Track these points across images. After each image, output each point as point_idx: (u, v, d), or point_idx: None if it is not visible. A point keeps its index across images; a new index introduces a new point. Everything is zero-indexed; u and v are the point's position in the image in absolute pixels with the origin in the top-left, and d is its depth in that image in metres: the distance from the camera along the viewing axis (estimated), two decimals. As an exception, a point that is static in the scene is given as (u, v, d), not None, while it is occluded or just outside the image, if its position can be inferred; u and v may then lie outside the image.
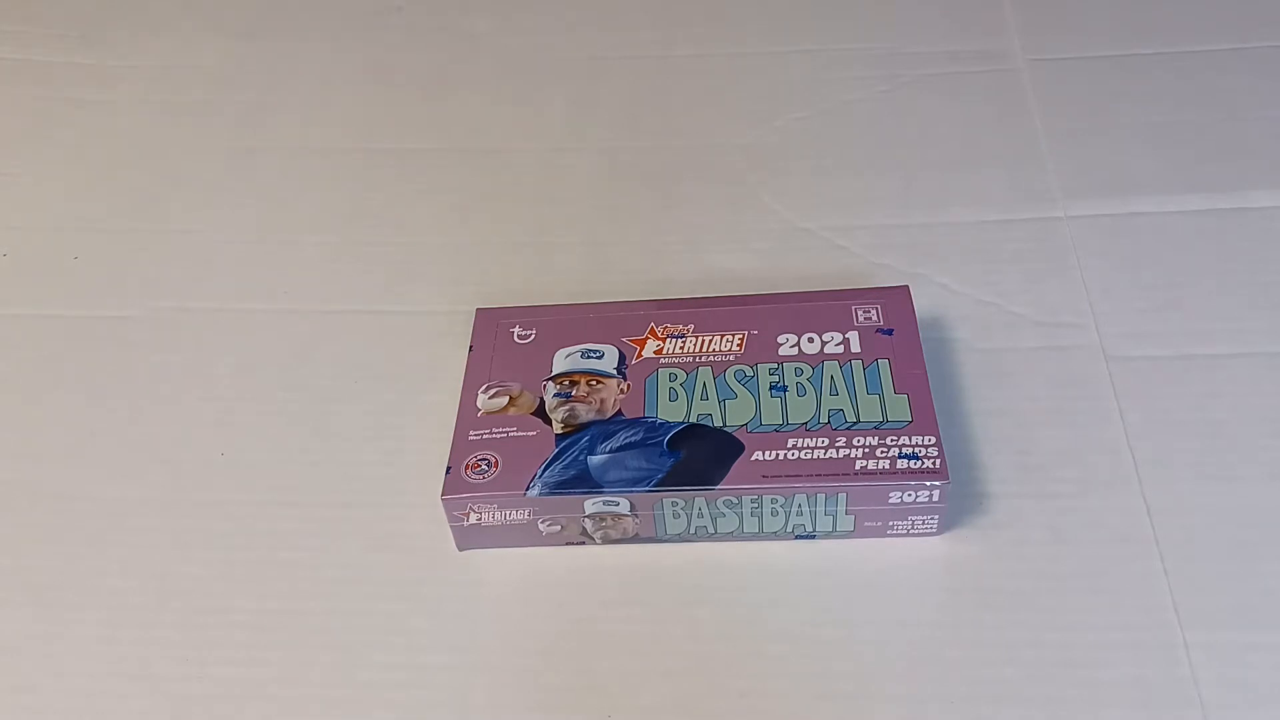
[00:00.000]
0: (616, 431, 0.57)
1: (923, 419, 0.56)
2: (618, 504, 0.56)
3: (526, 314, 0.64)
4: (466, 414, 0.59)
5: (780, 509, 0.55)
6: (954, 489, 0.55)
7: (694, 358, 0.60)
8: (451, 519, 0.57)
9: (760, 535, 0.57)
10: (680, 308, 0.63)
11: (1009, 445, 0.60)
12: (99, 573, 0.59)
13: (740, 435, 0.56)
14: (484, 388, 0.60)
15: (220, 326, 0.71)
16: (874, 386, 0.58)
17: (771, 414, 0.57)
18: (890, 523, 0.56)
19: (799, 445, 0.56)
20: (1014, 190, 0.75)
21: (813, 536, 0.57)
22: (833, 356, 0.59)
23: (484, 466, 0.57)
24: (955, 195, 0.75)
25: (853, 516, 0.56)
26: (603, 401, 0.59)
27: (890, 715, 0.51)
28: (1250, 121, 0.77)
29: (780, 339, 0.61)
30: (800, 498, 0.55)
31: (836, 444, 0.56)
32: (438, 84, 0.87)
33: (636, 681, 0.53)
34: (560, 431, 0.58)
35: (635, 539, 0.58)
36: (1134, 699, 0.50)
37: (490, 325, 0.64)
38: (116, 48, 0.93)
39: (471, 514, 0.56)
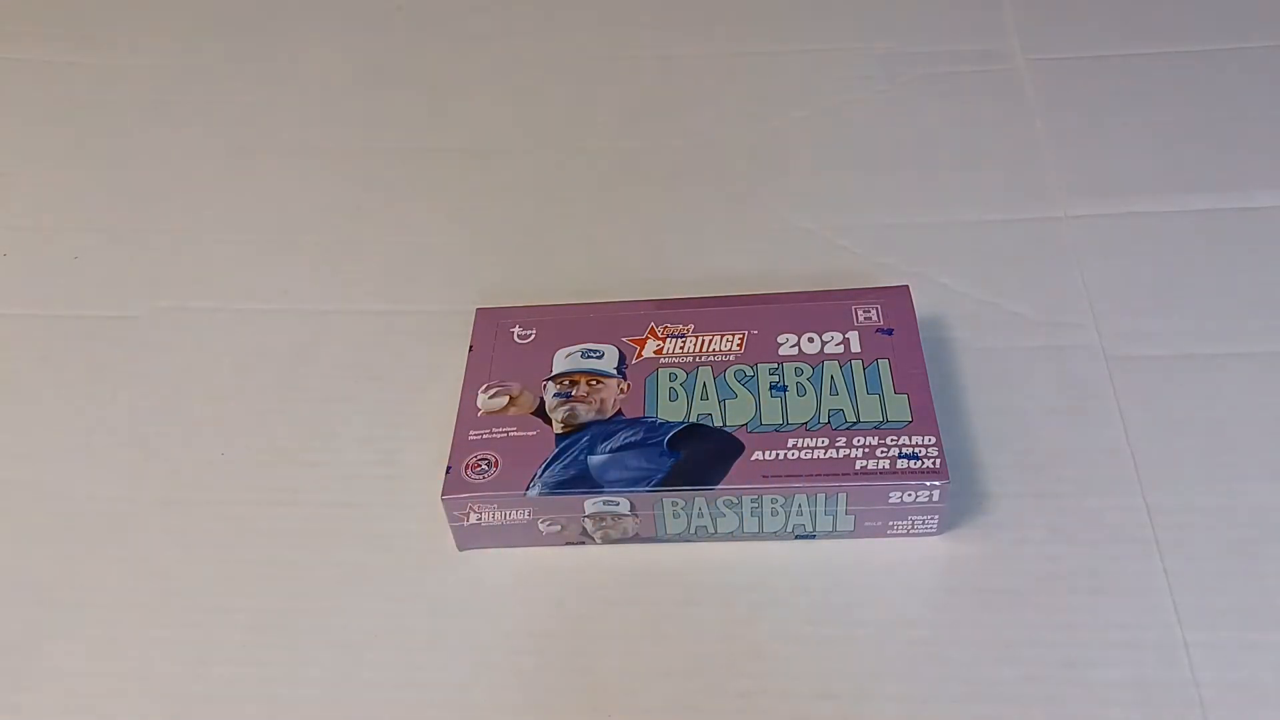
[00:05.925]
0: (616, 431, 0.57)
1: (923, 419, 0.56)
2: (618, 504, 0.56)
3: (526, 314, 0.64)
4: (466, 414, 0.59)
5: (780, 509, 0.55)
6: (954, 489, 0.55)
7: (694, 358, 0.60)
8: (451, 519, 0.57)
9: (760, 535, 0.57)
10: (680, 308, 0.63)
11: (1009, 445, 0.60)
12: (99, 573, 0.59)
13: (740, 435, 0.56)
14: (484, 387, 0.60)
15: (220, 326, 0.71)
16: (874, 386, 0.58)
17: (771, 414, 0.57)
18: (890, 523, 0.56)
19: (799, 445, 0.56)
20: (1014, 190, 0.75)
21: (813, 536, 0.57)
22: (833, 356, 0.59)
23: (484, 466, 0.57)
24: (955, 195, 0.75)
25: (853, 516, 0.56)
26: (603, 401, 0.59)
27: (890, 715, 0.51)
28: (1250, 121, 0.77)
29: (780, 339, 0.61)
30: (800, 498, 0.55)
31: (836, 444, 0.55)
32: (438, 84, 0.87)
33: (636, 681, 0.53)
34: (560, 431, 0.58)
35: (635, 539, 0.58)
36: (1134, 699, 0.50)
37: (490, 325, 0.64)
38: (116, 48, 0.93)
39: (471, 514, 0.56)
